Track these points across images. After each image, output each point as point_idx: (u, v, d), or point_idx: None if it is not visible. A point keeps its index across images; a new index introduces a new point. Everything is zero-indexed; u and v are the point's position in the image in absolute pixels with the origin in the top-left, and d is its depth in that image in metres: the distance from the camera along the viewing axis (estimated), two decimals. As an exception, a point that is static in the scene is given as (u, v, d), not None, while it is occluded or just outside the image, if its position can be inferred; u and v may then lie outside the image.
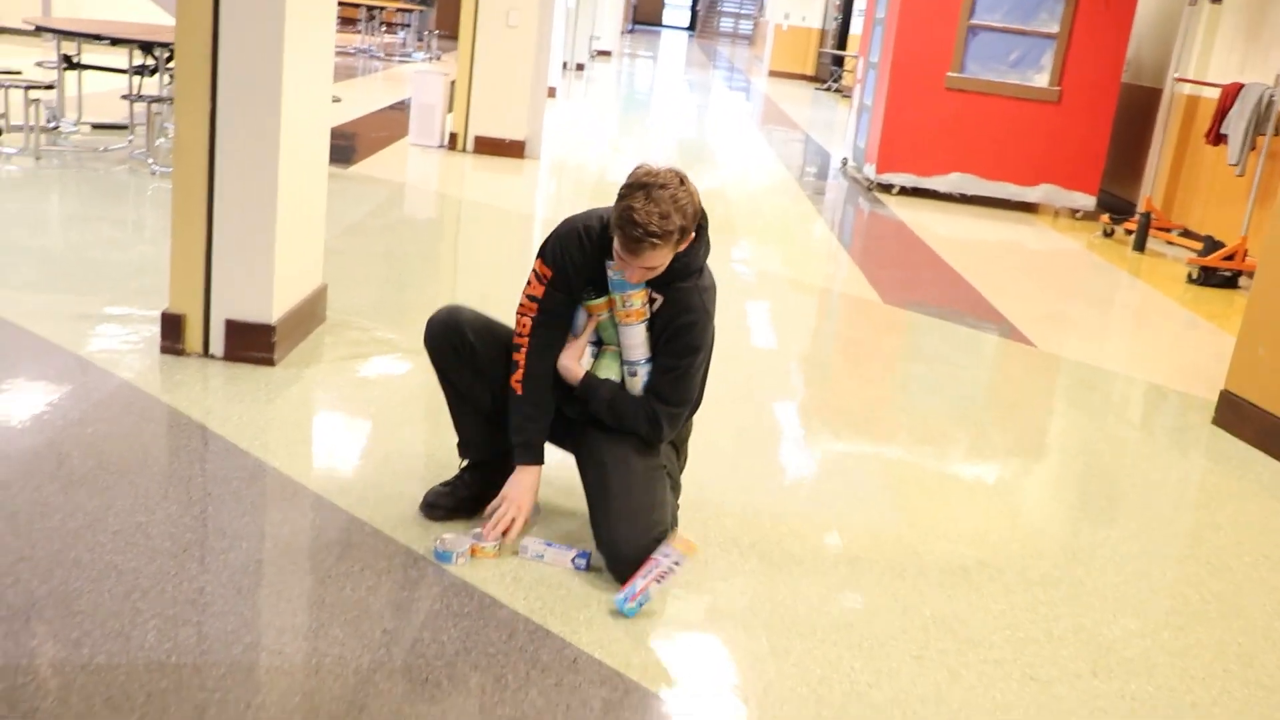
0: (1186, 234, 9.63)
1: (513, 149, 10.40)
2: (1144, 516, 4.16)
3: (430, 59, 20.63)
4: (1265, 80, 8.67)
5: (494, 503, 3.32)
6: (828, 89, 25.27)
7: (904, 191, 10.97)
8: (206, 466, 3.69)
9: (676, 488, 3.45)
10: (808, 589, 3.30)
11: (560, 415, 3.39)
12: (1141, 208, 9.70)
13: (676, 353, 3.25)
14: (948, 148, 10.70)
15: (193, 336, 4.50)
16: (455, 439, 3.51)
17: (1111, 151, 10.86)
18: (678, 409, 3.31)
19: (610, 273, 3.21)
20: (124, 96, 8.53)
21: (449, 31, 18.74)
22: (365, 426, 4.16)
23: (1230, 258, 8.29)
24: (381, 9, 21.79)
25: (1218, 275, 8.29)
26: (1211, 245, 8.66)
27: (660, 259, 3.08)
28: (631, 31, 42.34)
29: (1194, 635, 3.32)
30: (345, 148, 10.06)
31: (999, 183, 10.74)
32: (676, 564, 3.03)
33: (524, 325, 3.29)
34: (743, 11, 48.11)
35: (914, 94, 10.60)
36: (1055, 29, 10.38)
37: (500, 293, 3.39)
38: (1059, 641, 3.17)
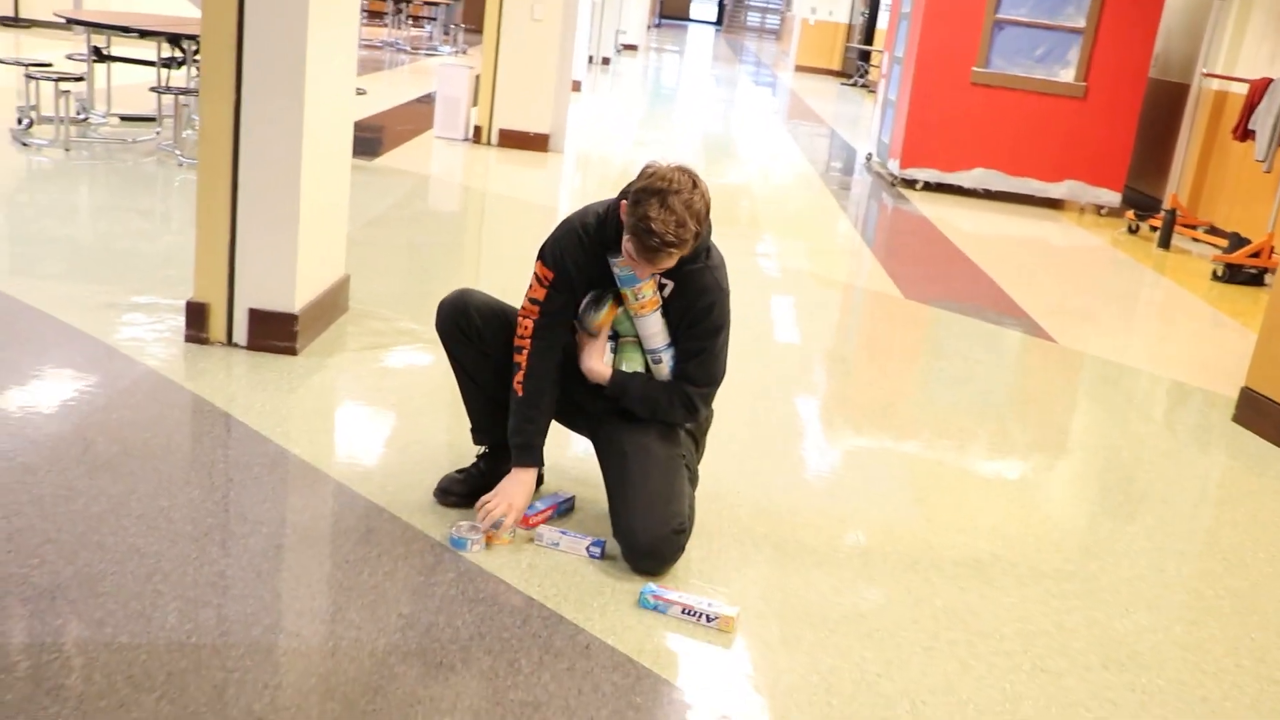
0: (1212, 231, 9.59)
1: (537, 142, 10.44)
2: (1161, 512, 4.16)
3: (456, 52, 20.70)
4: (1293, 76, 8.62)
5: (488, 495, 3.35)
6: (854, 84, 25.21)
7: (928, 187, 10.95)
8: (229, 453, 3.75)
9: (694, 479, 3.47)
10: (820, 580, 3.33)
11: (576, 405, 3.43)
12: (1167, 204, 9.66)
13: (700, 335, 3.27)
14: (972, 143, 10.68)
15: (217, 325, 4.56)
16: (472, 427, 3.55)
17: (1137, 147, 10.82)
18: (709, 388, 3.36)
19: (616, 269, 3.23)
20: (152, 89, 8.61)
21: (475, 25, 18.76)
22: (386, 415, 4.21)
23: (1256, 255, 8.26)
24: (408, 2, 21.87)
25: (1243, 272, 8.26)
26: (1237, 242, 8.62)
27: (673, 262, 3.13)
28: (658, 26, 42.34)
29: (1207, 630, 3.33)
30: (371, 140, 10.13)
31: (1023, 179, 10.71)
32: (708, 620, 3.00)
33: (526, 328, 3.31)
34: (770, 6, 47.99)
35: (939, 89, 10.59)
36: (1082, 23, 10.35)
37: (522, 285, 3.42)
38: (1070, 634, 3.19)
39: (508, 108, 10.44)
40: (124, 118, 9.27)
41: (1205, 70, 10.08)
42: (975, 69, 10.51)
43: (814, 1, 28.20)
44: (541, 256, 3.32)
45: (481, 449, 3.56)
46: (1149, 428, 5.20)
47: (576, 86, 14.97)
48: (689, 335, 3.28)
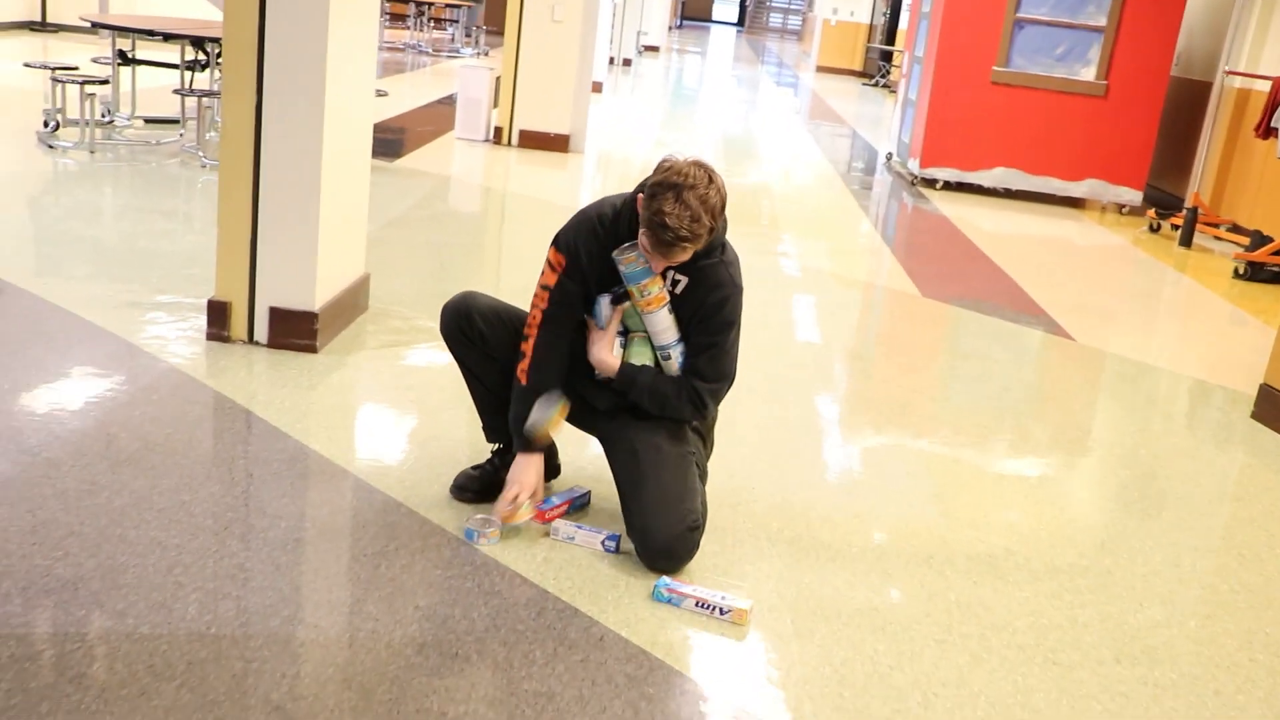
0: (1235, 229, 9.56)
1: (557, 143, 10.48)
2: (1177, 508, 4.16)
3: (478, 54, 20.78)
4: (1314, 74, 8.59)
5: (503, 491, 3.36)
6: (875, 84, 25.19)
7: (948, 186, 10.95)
8: (249, 449, 3.79)
9: (703, 476, 3.49)
10: (834, 575, 3.35)
11: (586, 404, 3.45)
12: (1189, 202, 9.63)
13: (712, 330, 3.29)
14: (992, 142, 10.67)
15: (238, 324, 4.61)
16: (486, 425, 3.59)
17: (1159, 146, 10.78)
18: (719, 385, 3.36)
19: (621, 267, 3.23)
20: (176, 91, 8.69)
21: (497, 27, 18.85)
22: (404, 412, 4.25)
23: (1278, 253, 8.23)
24: (430, 4, 21.96)
25: (1265, 270, 8.23)
26: (1260, 240, 8.59)
27: (688, 256, 3.15)
28: (680, 27, 42.36)
29: (1220, 624, 3.34)
30: (392, 141, 10.19)
31: (1044, 178, 10.69)
32: (722, 613, 3.03)
33: (534, 316, 3.34)
34: (791, 7, 47.97)
35: (959, 88, 10.58)
36: (1103, 22, 10.32)
37: (541, 285, 3.45)
38: (1083, 628, 3.20)
39: (528, 109, 10.48)
40: (148, 120, 9.36)
41: (1228, 68, 10.04)
42: (995, 68, 10.50)
43: (835, 2, 28.17)
44: (555, 243, 3.35)
45: (496, 445, 3.59)
46: (1167, 425, 5.20)
47: (597, 88, 15.03)
48: (700, 330, 3.30)
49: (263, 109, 4.41)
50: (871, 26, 28.30)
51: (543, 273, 3.35)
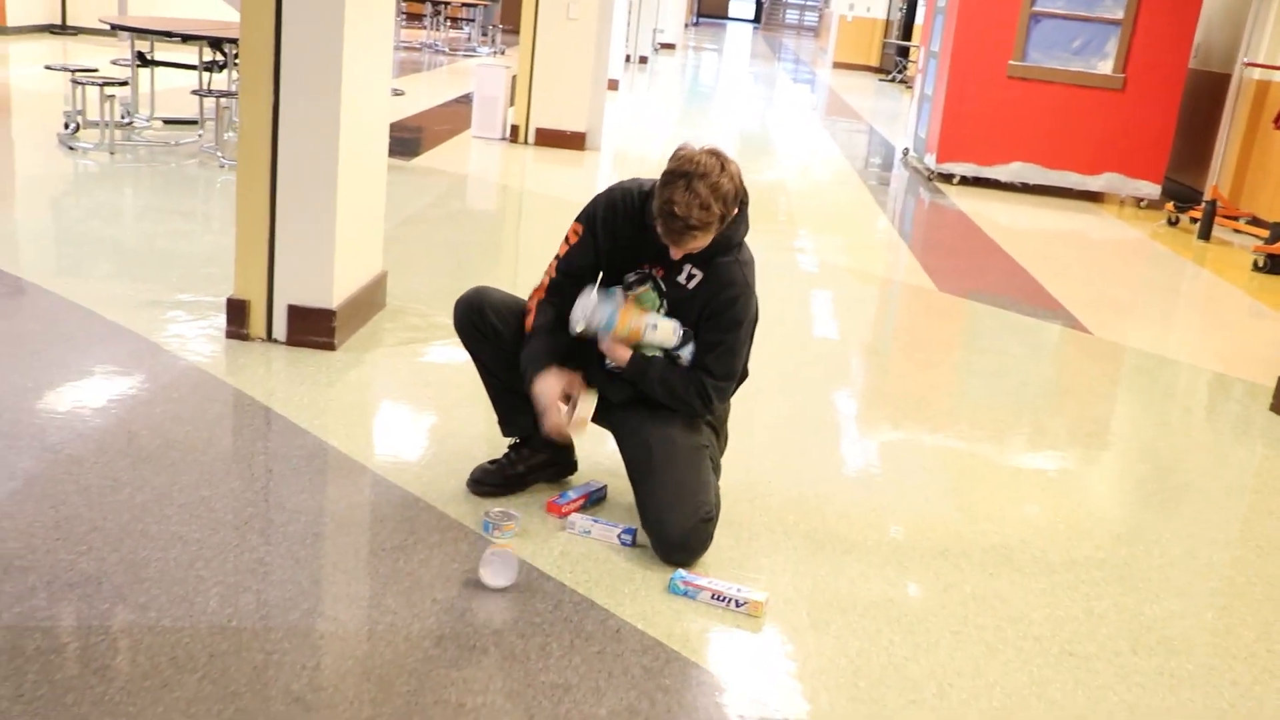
0: (1254, 221, 9.52)
1: (573, 141, 10.51)
2: (1194, 501, 4.16)
3: (494, 53, 20.83)
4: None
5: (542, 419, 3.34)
6: (892, 80, 25.14)
7: (965, 181, 10.93)
8: (268, 445, 3.83)
9: (717, 470, 3.50)
10: (850, 567, 3.36)
11: (601, 396, 3.47)
12: (1208, 195, 9.60)
13: (721, 327, 3.29)
14: (1009, 137, 10.65)
15: (256, 322, 4.64)
16: (506, 420, 3.61)
17: (1177, 139, 10.74)
18: (726, 383, 3.37)
19: (596, 310, 3.27)
20: (194, 92, 8.74)
21: (513, 26, 18.90)
22: (422, 408, 4.28)
23: (1297, 245, 8.20)
24: (447, 4, 22.01)
25: (1284, 263, 8.21)
26: (1279, 233, 8.56)
27: (702, 243, 3.16)
28: (696, 24, 42.33)
29: (1237, 616, 3.34)
30: (409, 140, 10.22)
31: (1061, 171, 10.67)
32: (738, 605, 3.04)
33: (542, 285, 3.40)
34: (808, 3, 47.92)
35: (975, 83, 10.57)
36: (1120, 15, 10.29)
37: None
38: (1099, 619, 3.21)
39: (544, 107, 10.51)
40: (167, 121, 9.41)
41: (1247, 60, 10.01)
42: (1012, 62, 10.48)
43: (852, -2, 28.14)
44: (578, 218, 3.39)
45: (513, 440, 3.61)
46: (1186, 418, 5.19)
47: (613, 85, 15.05)
48: (709, 327, 3.30)
49: (280, 109, 4.44)
50: (888, 22, 28.24)
51: (559, 246, 3.39)
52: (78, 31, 15.78)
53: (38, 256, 5.64)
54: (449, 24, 23.10)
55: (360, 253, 4.91)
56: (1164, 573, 3.55)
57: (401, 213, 7.23)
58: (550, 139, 10.52)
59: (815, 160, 12.41)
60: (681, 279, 3.29)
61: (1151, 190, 10.61)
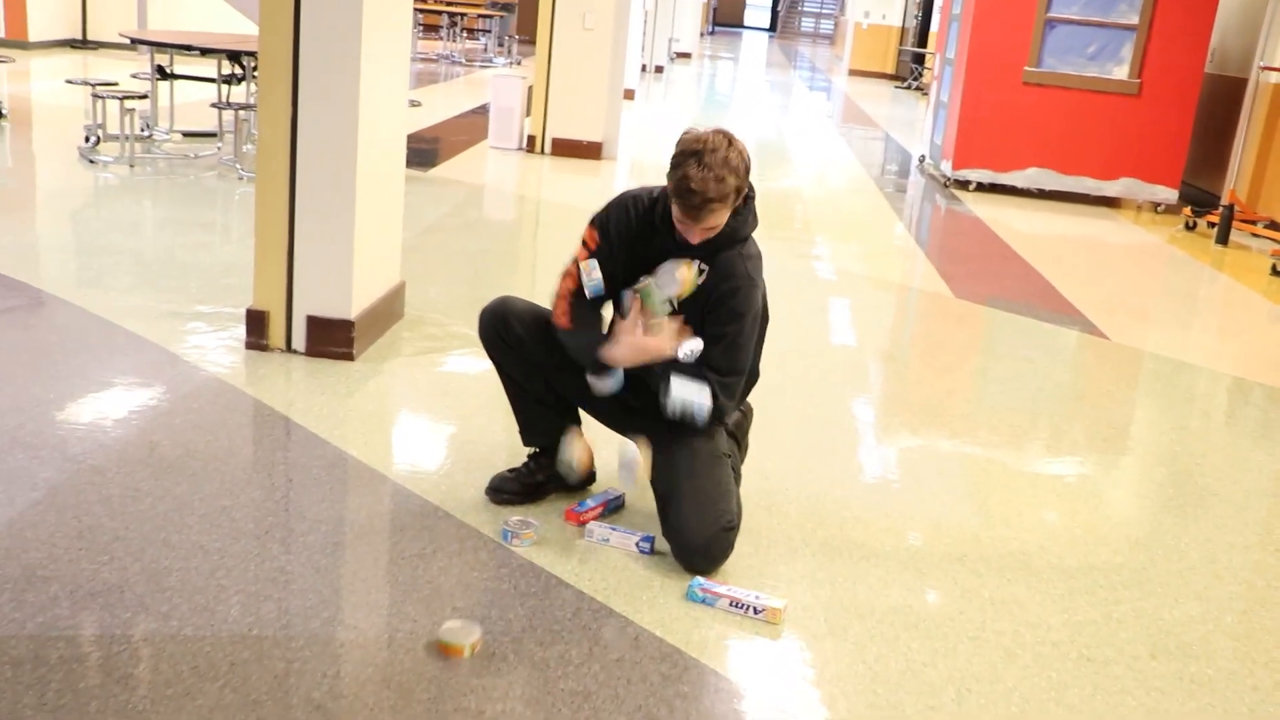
0: (1272, 226, 9.49)
1: (590, 150, 10.53)
2: (1213, 506, 4.15)
3: (511, 64, 20.89)
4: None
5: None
6: (908, 87, 25.12)
7: (981, 188, 10.92)
8: (288, 455, 3.85)
9: (738, 478, 3.51)
10: (868, 572, 3.37)
11: (622, 404, 3.48)
12: (1225, 200, 9.57)
13: (723, 319, 3.29)
14: (1025, 143, 10.64)
15: (276, 332, 4.68)
16: (525, 429, 3.63)
17: (1194, 143, 10.71)
18: (731, 378, 3.33)
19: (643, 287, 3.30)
20: (213, 104, 8.80)
21: (529, 36, 18.99)
22: (440, 418, 4.30)
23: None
24: (463, 15, 22.09)
25: (1302, 267, 8.18)
26: (1296, 237, 8.53)
27: (720, 218, 3.17)
28: (711, 33, 42.38)
29: (1258, 620, 3.33)
30: (426, 151, 10.27)
31: (1078, 177, 10.65)
32: (756, 612, 3.06)
33: (562, 290, 3.41)
34: (823, 11, 47.94)
35: (990, 89, 10.56)
36: (1135, 20, 10.27)
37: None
38: (1118, 624, 3.20)
39: (561, 117, 10.54)
40: (186, 134, 9.47)
41: (1263, 64, 9.98)
42: (1027, 68, 10.47)
43: (867, 5, 28.14)
44: (592, 222, 3.40)
45: (532, 449, 3.63)
46: (1204, 422, 5.18)
47: (629, 95, 15.08)
48: (713, 319, 3.29)
49: (298, 121, 4.47)
50: (903, 29, 28.23)
51: (576, 250, 3.41)
52: (98, 46, 15.90)
53: (59, 269, 5.69)
54: (465, 35, 23.19)
55: (378, 263, 4.94)
56: (1183, 577, 3.54)
57: (419, 223, 7.26)
58: (567, 149, 10.55)
59: (831, 168, 12.41)
60: (694, 271, 3.29)
61: (1169, 195, 10.58)
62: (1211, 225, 9.58)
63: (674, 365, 3.30)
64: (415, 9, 17.22)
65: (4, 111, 9.79)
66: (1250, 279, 8.18)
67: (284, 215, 4.56)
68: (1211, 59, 10.92)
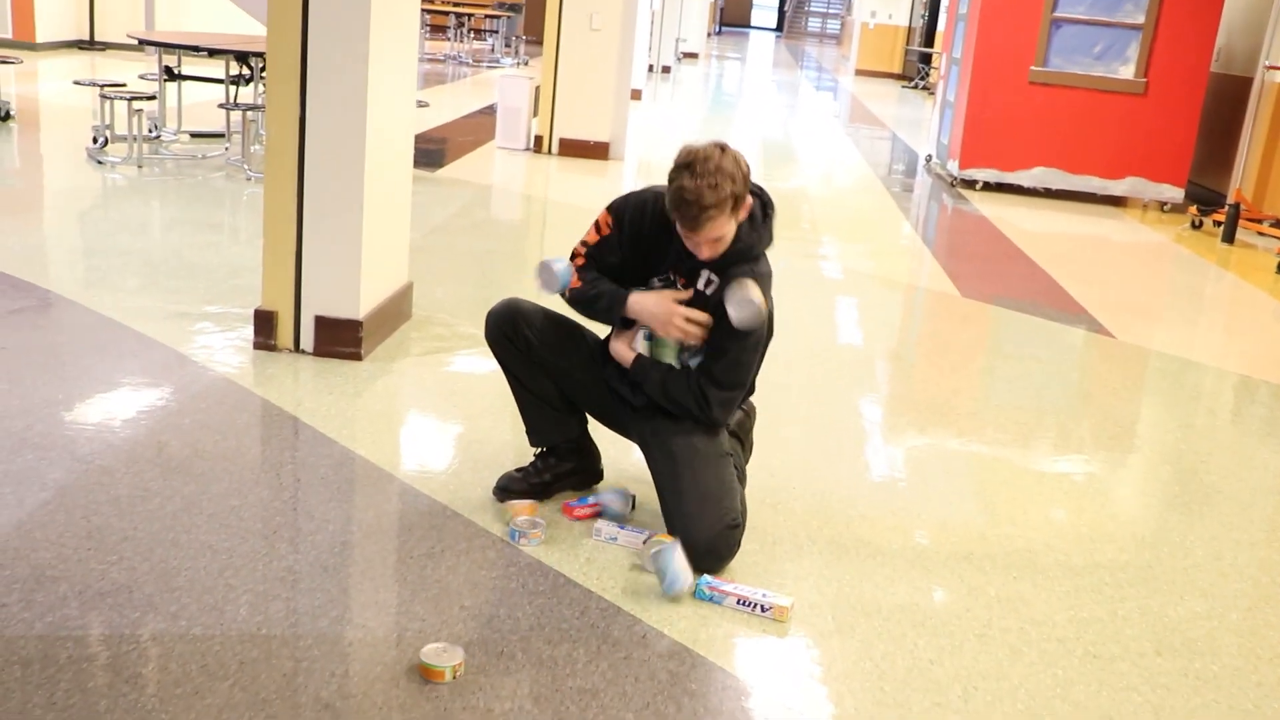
0: (1278, 224, 9.48)
1: (597, 150, 10.55)
2: (1219, 503, 4.16)
3: (518, 64, 20.91)
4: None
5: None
6: (914, 87, 25.11)
7: (987, 187, 10.92)
8: (296, 455, 3.87)
9: (742, 478, 3.51)
10: (874, 571, 3.38)
11: (625, 405, 3.50)
12: (1231, 199, 9.57)
13: (729, 335, 3.28)
14: (1031, 142, 10.64)
15: (284, 333, 4.69)
16: (532, 428, 3.64)
17: (1200, 143, 10.71)
18: (729, 393, 3.35)
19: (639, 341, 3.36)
20: (221, 105, 8.83)
21: (536, 37, 19.01)
22: (448, 417, 4.31)
23: (1322, 248, 8.16)
24: (470, 16, 22.12)
25: (1309, 266, 8.17)
26: (1303, 235, 8.52)
27: (722, 228, 3.15)
28: (719, 33, 42.37)
29: (1263, 617, 3.33)
30: (434, 152, 10.29)
31: (1084, 176, 10.65)
32: (763, 610, 3.07)
33: (579, 252, 3.43)
34: (830, 11, 47.93)
35: (997, 89, 10.56)
36: (1141, 19, 10.27)
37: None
38: (1123, 621, 3.21)
39: (568, 117, 10.56)
40: (194, 134, 9.50)
41: (1268, 63, 9.97)
42: (1033, 68, 10.46)
43: (874, 5, 28.13)
44: (610, 207, 3.41)
45: (539, 449, 3.64)
46: (1210, 420, 5.18)
47: (637, 95, 15.08)
48: (719, 333, 3.30)
49: (306, 122, 4.49)
50: (910, 29, 28.22)
51: (588, 230, 3.42)
52: (106, 47, 15.94)
53: (67, 269, 5.71)
54: (472, 35, 23.22)
55: (386, 263, 4.95)
56: (1188, 575, 3.55)
57: (427, 223, 7.28)
58: (574, 149, 10.57)
59: (839, 167, 12.41)
60: (700, 285, 3.30)
61: (1175, 194, 10.58)
62: (1217, 224, 9.58)
63: (668, 370, 3.36)
64: (422, 9, 17.27)
65: (12, 113, 9.83)
66: (1256, 277, 8.17)
67: (292, 216, 4.58)
68: (1217, 58, 10.91)
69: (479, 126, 12.29)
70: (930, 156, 12.73)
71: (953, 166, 11.04)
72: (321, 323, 4.66)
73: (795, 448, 4.26)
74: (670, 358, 3.40)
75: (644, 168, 10.77)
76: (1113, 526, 3.86)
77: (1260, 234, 9.52)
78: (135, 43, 9.50)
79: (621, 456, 3.91)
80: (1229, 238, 9.29)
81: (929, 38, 26.69)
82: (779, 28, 50.11)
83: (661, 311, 3.31)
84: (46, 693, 2.49)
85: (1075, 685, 2.88)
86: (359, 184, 4.54)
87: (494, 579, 3.13)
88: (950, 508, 3.90)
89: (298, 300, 4.66)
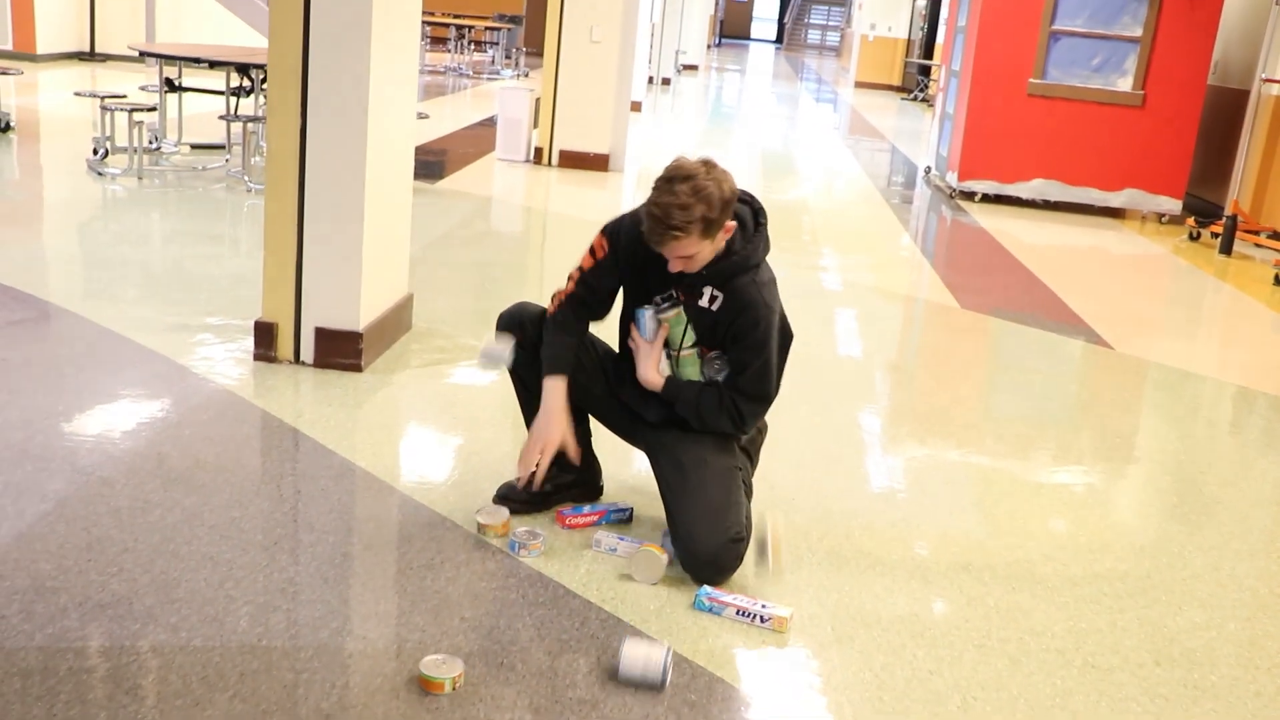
0: (1275, 236, 9.50)
1: (597, 162, 10.57)
2: (1217, 514, 4.16)
3: (518, 76, 20.95)
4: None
5: (524, 449, 3.40)
6: (914, 99, 25.17)
7: (986, 199, 10.94)
8: (297, 466, 3.87)
9: (749, 492, 3.52)
10: (874, 582, 3.38)
11: (635, 414, 3.50)
12: (1228, 210, 9.59)
13: (748, 349, 3.30)
14: (1030, 154, 10.67)
15: (284, 344, 4.70)
16: (532, 438, 3.65)
17: (1197, 155, 10.73)
18: (760, 404, 3.38)
19: (643, 319, 3.35)
20: (221, 117, 8.84)
21: (536, 49, 19.06)
22: (448, 428, 4.32)
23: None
24: (470, 28, 22.16)
25: (1307, 277, 8.18)
26: (1301, 247, 8.54)
27: (689, 248, 3.11)
28: (718, 45, 42.44)
29: (1261, 627, 3.34)
30: (434, 163, 10.31)
31: (1083, 188, 10.67)
32: (762, 621, 3.07)
33: (561, 293, 3.43)
34: (829, 23, 47.99)
35: (995, 101, 10.59)
36: (1139, 32, 10.30)
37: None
38: (1122, 632, 3.22)
39: (568, 129, 10.58)
40: (194, 146, 9.52)
41: (1265, 76, 10.00)
42: (1032, 80, 10.50)
43: (873, 17, 28.19)
44: (604, 230, 3.40)
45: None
46: (1209, 432, 5.19)
47: (636, 107, 15.11)
48: (736, 349, 3.31)
49: (307, 133, 4.50)
50: (909, 41, 28.27)
51: (583, 255, 3.41)
52: (106, 58, 15.97)
53: (67, 281, 5.72)
54: (473, 47, 23.26)
55: (386, 275, 4.96)
56: (1187, 585, 3.56)
57: (427, 235, 7.29)
58: (574, 161, 10.59)
59: (838, 179, 12.44)
60: (704, 302, 3.30)
61: (1172, 206, 10.60)
62: (1215, 236, 9.60)
63: (700, 390, 3.37)
64: (423, 21, 17.32)
65: (12, 124, 9.85)
66: (1254, 289, 8.19)
67: (292, 227, 4.59)
68: (1214, 71, 10.95)
69: (479, 138, 12.31)
70: (929, 168, 12.76)
71: (952, 178, 11.06)
72: (322, 334, 4.67)
73: (796, 459, 4.27)
74: (694, 374, 3.41)
75: (644, 179, 10.78)
76: (1111, 537, 3.87)
77: (1258, 245, 9.54)
78: (136, 54, 9.53)
79: (621, 468, 3.91)
80: (1226, 249, 9.31)
81: (928, 50, 26.74)
82: (779, 40, 50.18)
83: (540, 433, 3.35)
84: (46, 705, 2.49)
85: (1074, 696, 2.89)
86: (359, 196, 4.55)
87: (494, 590, 3.14)
88: (950, 518, 3.90)
89: (298, 312, 4.67)
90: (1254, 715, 2.88)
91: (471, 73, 21.00)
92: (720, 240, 3.18)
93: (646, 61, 16.90)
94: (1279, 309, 7.58)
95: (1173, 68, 10.30)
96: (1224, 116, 10.97)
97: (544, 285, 6.87)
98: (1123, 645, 3.15)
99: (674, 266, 3.20)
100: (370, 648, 2.82)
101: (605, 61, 10.39)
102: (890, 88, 27.86)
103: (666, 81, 21.88)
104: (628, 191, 10.12)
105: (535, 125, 10.89)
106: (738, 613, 3.09)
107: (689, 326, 3.35)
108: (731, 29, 48.85)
